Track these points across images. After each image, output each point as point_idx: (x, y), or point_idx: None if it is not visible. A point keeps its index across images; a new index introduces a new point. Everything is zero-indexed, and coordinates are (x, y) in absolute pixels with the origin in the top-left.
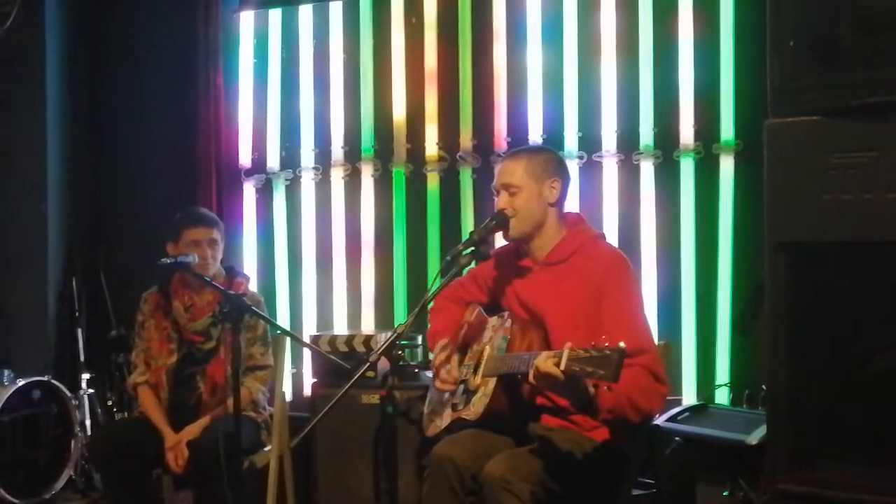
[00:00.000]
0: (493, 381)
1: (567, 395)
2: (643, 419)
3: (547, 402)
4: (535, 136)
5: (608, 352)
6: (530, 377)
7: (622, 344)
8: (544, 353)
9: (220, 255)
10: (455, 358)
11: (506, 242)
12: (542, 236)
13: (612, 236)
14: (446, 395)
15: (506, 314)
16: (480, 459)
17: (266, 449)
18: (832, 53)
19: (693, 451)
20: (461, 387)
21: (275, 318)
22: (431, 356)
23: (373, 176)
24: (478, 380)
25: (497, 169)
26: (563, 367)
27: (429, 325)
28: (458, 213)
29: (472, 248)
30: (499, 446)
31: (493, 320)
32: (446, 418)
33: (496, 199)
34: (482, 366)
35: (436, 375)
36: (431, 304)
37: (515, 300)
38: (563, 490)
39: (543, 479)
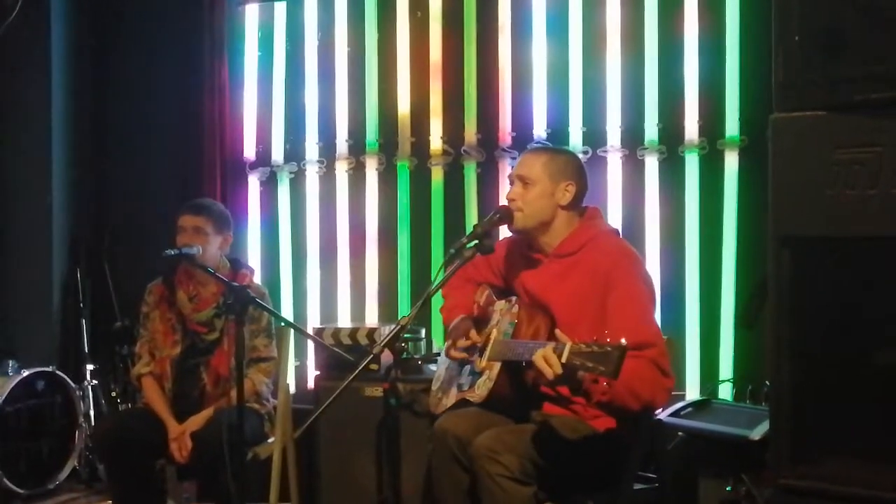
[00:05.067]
0: (497, 366)
1: (564, 385)
2: (643, 408)
3: (550, 390)
4: (540, 130)
5: (609, 348)
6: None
7: (624, 341)
8: (548, 345)
9: (211, 246)
10: (472, 331)
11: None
12: (549, 233)
13: None
14: (455, 372)
15: (514, 299)
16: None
17: (269, 440)
18: (837, 48)
19: (696, 447)
20: (467, 367)
21: (279, 310)
22: (447, 329)
23: (377, 169)
24: (483, 362)
25: (517, 160)
26: (564, 359)
27: (443, 301)
28: (461, 207)
29: (476, 242)
30: (500, 424)
31: (501, 304)
32: (452, 397)
33: (510, 188)
34: (488, 349)
35: (448, 338)
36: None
37: (523, 290)
38: (555, 470)
39: (532, 454)
